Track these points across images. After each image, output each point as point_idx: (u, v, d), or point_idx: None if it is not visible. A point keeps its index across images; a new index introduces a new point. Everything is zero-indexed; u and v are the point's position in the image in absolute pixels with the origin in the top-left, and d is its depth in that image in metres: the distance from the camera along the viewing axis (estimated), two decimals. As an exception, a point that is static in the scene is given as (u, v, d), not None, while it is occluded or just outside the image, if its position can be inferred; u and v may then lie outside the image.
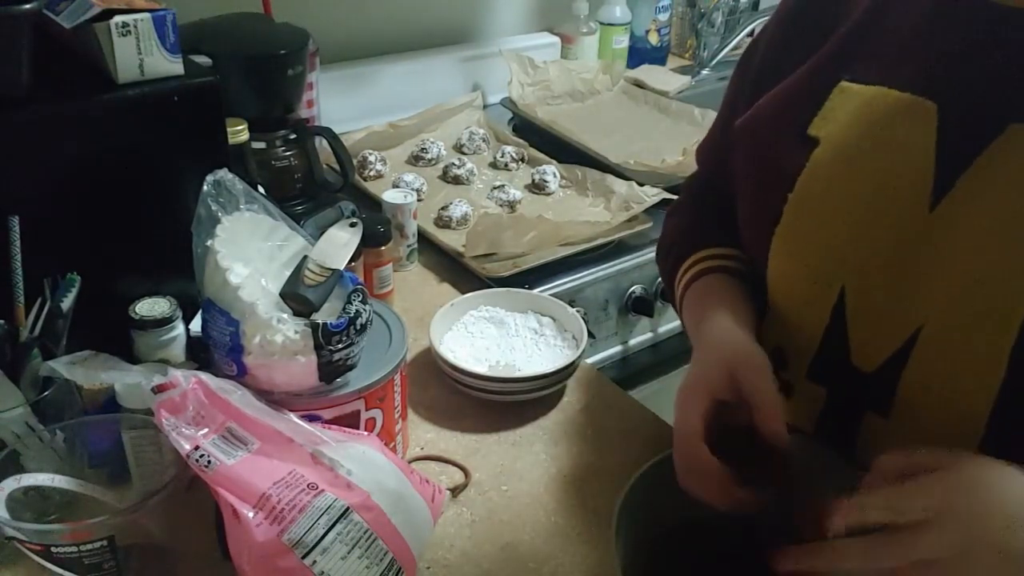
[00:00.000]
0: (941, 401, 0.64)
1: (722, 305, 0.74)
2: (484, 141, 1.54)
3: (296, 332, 0.70)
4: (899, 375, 0.66)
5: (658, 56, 1.98)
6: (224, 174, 0.74)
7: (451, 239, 1.24)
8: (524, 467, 0.88)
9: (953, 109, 0.62)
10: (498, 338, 1.02)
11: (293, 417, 0.70)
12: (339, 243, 0.76)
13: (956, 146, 0.62)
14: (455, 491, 0.85)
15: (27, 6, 0.73)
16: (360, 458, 0.69)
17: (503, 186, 1.37)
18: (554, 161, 1.45)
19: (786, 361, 0.75)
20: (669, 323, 1.36)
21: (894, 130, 0.65)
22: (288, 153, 1.14)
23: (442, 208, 1.29)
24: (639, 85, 1.80)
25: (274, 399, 0.71)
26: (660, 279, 1.29)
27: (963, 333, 0.62)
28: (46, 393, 0.74)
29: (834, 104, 0.69)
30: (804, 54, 0.73)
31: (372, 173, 1.41)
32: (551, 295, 1.11)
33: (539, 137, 1.56)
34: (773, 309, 0.76)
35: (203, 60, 0.94)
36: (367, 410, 0.78)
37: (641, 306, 1.28)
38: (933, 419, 0.65)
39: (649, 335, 1.35)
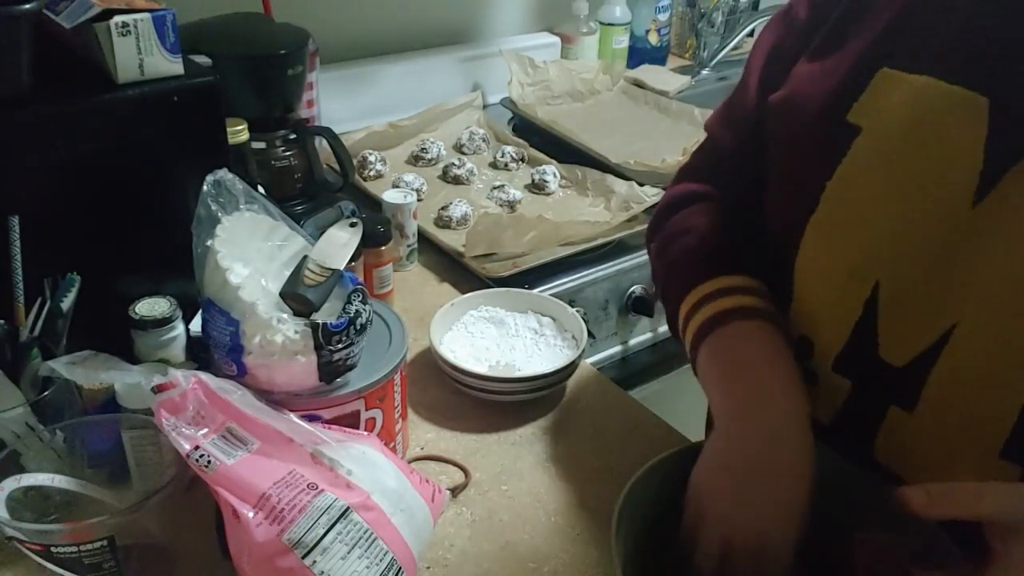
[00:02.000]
0: (969, 398, 0.63)
1: (788, 391, 0.68)
2: (484, 141, 1.54)
3: (296, 332, 0.70)
4: (929, 371, 0.65)
5: (658, 56, 1.98)
6: (224, 174, 0.74)
7: (451, 239, 1.24)
8: (524, 467, 0.88)
9: (1005, 104, 0.61)
10: (498, 338, 1.02)
11: (293, 417, 0.70)
12: (339, 243, 0.76)
13: (1006, 142, 0.60)
14: (455, 491, 0.85)
15: (27, 6, 0.73)
16: (360, 458, 0.69)
17: (503, 186, 1.37)
18: (554, 161, 1.45)
19: (811, 351, 0.73)
20: (669, 323, 1.36)
21: (942, 124, 0.63)
22: (288, 153, 1.14)
23: (442, 208, 1.29)
24: (639, 85, 1.80)
25: (274, 399, 0.71)
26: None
27: (998, 331, 0.61)
28: (46, 393, 0.74)
29: (876, 91, 0.66)
30: (846, 26, 0.70)
31: (372, 173, 1.41)
32: (551, 295, 1.11)
33: (539, 137, 1.56)
34: (801, 299, 0.74)
35: (203, 60, 0.93)
36: (367, 410, 0.78)
37: (641, 306, 1.28)
38: (959, 416, 0.64)
39: (649, 335, 1.35)
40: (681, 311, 0.77)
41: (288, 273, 0.74)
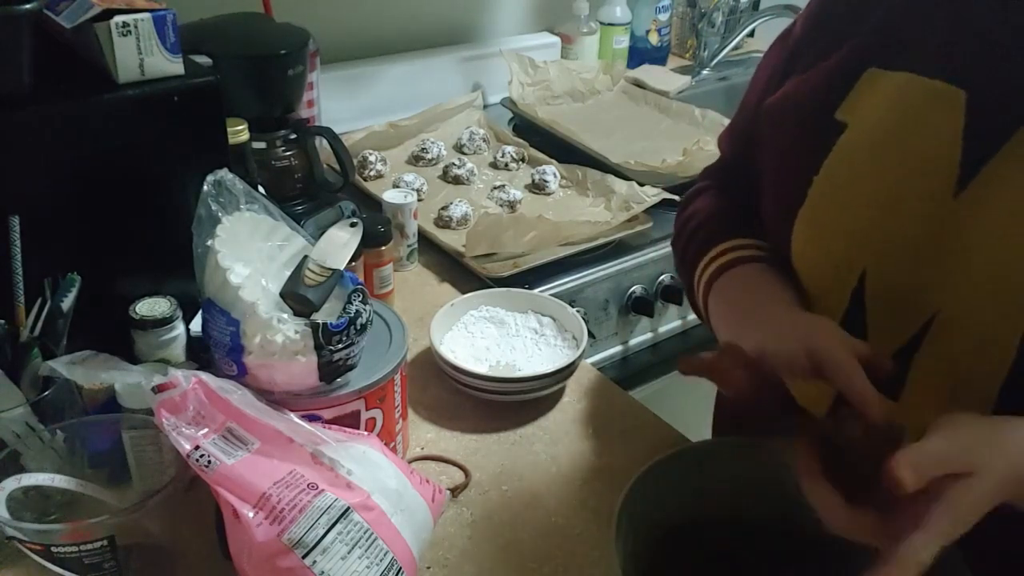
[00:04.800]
0: (950, 384, 0.65)
1: (782, 292, 0.73)
2: (484, 141, 1.54)
3: (296, 332, 0.70)
4: (911, 359, 0.66)
5: (658, 56, 1.98)
6: (224, 174, 0.74)
7: (451, 239, 1.24)
8: (524, 467, 0.88)
9: (982, 97, 0.62)
10: (498, 338, 1.02)
11: (293, 417, 0.70)
12: (339, 243, 0.76)
13: (983, 134, 0.62)
14: (455, 491, 0.85)
15: (27, 6, 0.73)
16: (360, 458, 0.69)
17: (503, 186, 1.37)
18: (554, 161, 1.45)
19: None
20: (669, 323, 1.37)
21: (922, 116, 0.65)
22: (288, 153, 1.14)
23: (442, 208, 1.29)
24: (639, 85, 1.80)
25: (274, 399, 0.71)
26: (660, 278, 1.29)
27: (978, 319, 0.62)
28: (46, 393, 0.74)
29: (863, 90, 0.69)
30: (837, 40, 0.73)
31: (372, 173, 1.41)
32: (551, 295, 1.11)
33: (539, 137, 1.56)
34: None
35: (203, 60, 0.93)
36: (367, 410, 0.78)
37: (641, 306, 1.28)
38: (940, 402, 0.65)
39: (649, 335, 1.35)
40: (696, 279, 0.81)
41: (288, 273, 0.74)
